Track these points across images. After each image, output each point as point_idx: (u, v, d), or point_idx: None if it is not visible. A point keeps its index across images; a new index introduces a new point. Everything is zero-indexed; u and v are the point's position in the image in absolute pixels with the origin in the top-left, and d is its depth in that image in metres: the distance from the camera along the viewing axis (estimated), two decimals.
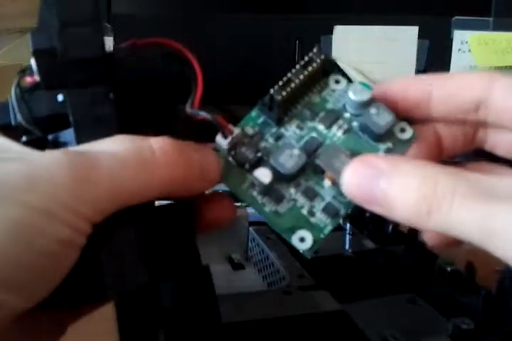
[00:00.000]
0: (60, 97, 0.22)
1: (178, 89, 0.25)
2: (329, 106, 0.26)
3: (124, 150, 0.20)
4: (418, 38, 0.73)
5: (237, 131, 0.24)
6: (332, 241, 0.56)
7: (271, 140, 0.25)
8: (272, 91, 0.24)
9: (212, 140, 0.25)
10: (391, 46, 0.76)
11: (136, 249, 0.21)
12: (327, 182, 0.24)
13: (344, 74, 0.26)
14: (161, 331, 0.29)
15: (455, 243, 0.24)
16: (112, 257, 0.20)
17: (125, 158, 0.20)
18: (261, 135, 0.25)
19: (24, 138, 0.22)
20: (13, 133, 0.23)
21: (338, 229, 0.59)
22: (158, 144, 0.21)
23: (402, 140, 0.25)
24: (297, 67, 0.25)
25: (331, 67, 0.26)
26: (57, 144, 0.23)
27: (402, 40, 0.73)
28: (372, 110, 0.24)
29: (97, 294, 0.21)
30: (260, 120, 0.25)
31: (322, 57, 0.25)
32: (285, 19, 0.77)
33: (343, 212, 0.24)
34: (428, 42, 0.72)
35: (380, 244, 0.54)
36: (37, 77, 0.22)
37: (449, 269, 0.45)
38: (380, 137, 0.24)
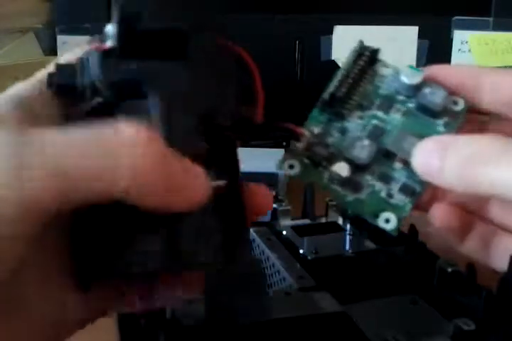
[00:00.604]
0: (133, 65, 0.21)
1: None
2: (383, 92, 0.27)
3: (79, 131, 0.18)
4: (418, 38, 0.73)
5: (307, 132, 0.26)
6: (332, 241, 0.55)
7: (337, 134, 0.27)
8: (331, 89, 0.26)
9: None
10: (391, 46, 0.76)
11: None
12: (398, 165, 0.26)
13: None
14: (161, 333, 0.29)
15: (464, 221, 0.26)
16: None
17: (76, 139, 0.17)
18: (326, 131, 0.27)
19: (98, 100, 0.21)
20: (74, 96, 0.22)
21: (339, 229, 0.58)
22: (125, 128, 0.18)
23: (457, 111, 0.26)
24: (349, 62, 0.27)
25: (378, 56, 0.27)
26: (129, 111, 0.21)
27: (402, 40, 0.73)
28: (427, 90, 0.26)
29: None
30: (323, 118, 0.27)
31: (370, 48, 0.27)
32: (285, 19, 0.77)
33: (419, 189, 0.26)
34: (428, 42, 0.72)
35: (381, 244, 0.54)
36: (111, 44, 0.21)
37: (449, 270, 0.44)
38: (437, 113, 0.26)
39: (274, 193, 0.67)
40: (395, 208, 0.26)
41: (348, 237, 0.57)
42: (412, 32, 0.70)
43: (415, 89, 0.26)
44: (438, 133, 0.26)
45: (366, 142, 0.26)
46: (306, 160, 0.26)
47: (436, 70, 0.27)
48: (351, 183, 0.26)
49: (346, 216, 0.62)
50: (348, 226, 0.59)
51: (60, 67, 0.22)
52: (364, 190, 0.26)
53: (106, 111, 0.21)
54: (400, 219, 0.26)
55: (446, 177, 0.23)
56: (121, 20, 0.21)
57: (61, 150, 0.17)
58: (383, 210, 0.26)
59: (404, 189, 0.26)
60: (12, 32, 0.69)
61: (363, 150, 0.26)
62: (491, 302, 0.39)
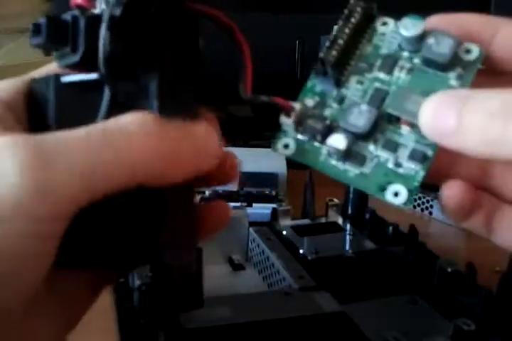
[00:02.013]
0: (136, 41, 0.20)
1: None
2: (383, 51, 0.24)
3: (87, 129, 0.18)
4: None
5: (297, 105, 0.24)
6: (332, 241, 0.56)
7: (335, 105, 0.24)
8: (321, 54, 0.23)
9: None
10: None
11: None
12: (405, 128, 0.23)
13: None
14: (161, 333, 0.29)
15: (474, 202, 0.23)
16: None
17: (91, 144, 0.18)
18: (323, 102, 0.24)
19: (96, 76, 0.20)
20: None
21: (339, 229, 0.58)
22: (133, 119, 0.19)
23: (471, 61, 0.23)
24: (339, 22, 0.24)
25: (374, 12, 0.25)
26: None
27: None
28: (431, 40, 0.23)
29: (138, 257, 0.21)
30: (318, 88, 0.25)
31: (362, 4, 0.24)
32: (285, 19, 0.77)
33: (430, 153, 0.23)
34: None
35: (381, 244, 0.54)
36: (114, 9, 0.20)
37: (449, 270, 0.44)
38: (447, 66, 0.23)
39: (274, 193, 0.67)
40: (405, 178, 0.23)
41: (348, 237, 0.57)
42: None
43: (419, 42, 0.23)
44: (450, 88, 0.23)
45: (364, 107, 0.23)
46: (300, 137, 0.24)
47: (437, 21, 0.23)
48: (353, 156, 0.23)
49: (346, 216, 0.62)
50: (348, 226, 0.60)
51: (50, 20, 0.20)
52: (368, 162, 0.23)
53: (95, 85, 0.20)
54: (410, 191, 0.23)
55: (466, 138, 0.19)
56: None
57: (80, 151, 0.18)
58: (391, 182, 0.23)
59: (415, 155, 0.23)
60: (12, 32, 0.69)
61: (360, 116, 0.23)
62: (491, 302, 0.39)
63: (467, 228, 0.25)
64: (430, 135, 0.21)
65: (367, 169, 0.23)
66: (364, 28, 0.25)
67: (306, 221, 0.61)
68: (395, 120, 0.23)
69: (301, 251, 0.51)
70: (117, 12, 0.20)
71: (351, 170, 0.23)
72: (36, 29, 0.20)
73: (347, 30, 0.23)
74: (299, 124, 0.24)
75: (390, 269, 0.48)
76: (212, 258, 0.54)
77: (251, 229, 0.57)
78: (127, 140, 0.18)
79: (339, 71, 0.24)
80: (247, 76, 0.23)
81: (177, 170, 0.20)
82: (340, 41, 0.23)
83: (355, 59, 0.24)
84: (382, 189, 0.23)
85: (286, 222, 0.60)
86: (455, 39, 0.23)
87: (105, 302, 0.41)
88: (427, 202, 0.73)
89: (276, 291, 0.44)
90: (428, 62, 0.23)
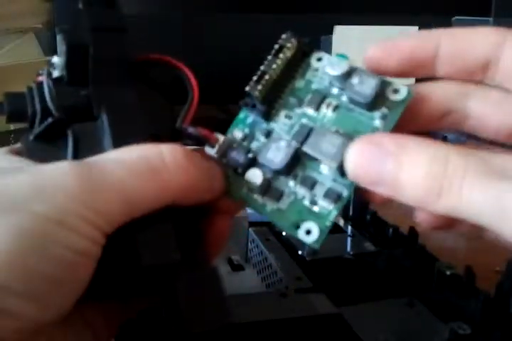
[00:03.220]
0: (83, 92, 0.23)
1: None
2: (314, 86, 0.24)
3: (132, 157, 0.20)
4: None
5: (222, 138, 0.24)
6: (332, 243, 0.55)
7: (262, 138, 0.24)
8: (247, 88, 0.23)
9: None
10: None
11: (171, 230, 0.21)
12: (323, 166, 0.23)
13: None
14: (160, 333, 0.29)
15: (450, 225, 0.23)
16: (149, 235, 0.21)
17: (133, 166, 0.20)
18: (252, 135, 0.24)
19: (50, 120, 0.23)
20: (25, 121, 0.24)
21: (340, 231, 0.58)
22: (167, 150, 0.21)
23: (397, 101, 0.23)
24: (268, 57, 0.23)
25: (309, 48, 0.24)
26: (79, 134, 0.23)
27: None
28: (354, 80, 0.22)
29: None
30: (249, 120, 0.24)
31: (293, 41, 0.23)
32: (285, 19, 0.77)
33: (345, 193, 0.23)
34: None
35: (381, 246, 0.54)
36: (60, 72, 0.23)
37: (448, 273, 0.44)
38: (371, 105, 0.23)
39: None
40: (318, 217, 0.23)
41: (348, 239, 0.57)
42: (412, 32, 0.70)
43: (345, 80, 0.22)
44: (373, 128, 0.23)
45: (283, 143, 0.22)
46: (228, 171, 0.24)
47: (376, 52, 0.23)
48: (271, 191, 0.23)
49: (347, 217, 0.62)
50: (349, 227, 0.59)
51: (8, 96, 0.24)
52: (285, 198, 0.23)
53: (57, 131, 0.23)
54: (322, 230, 0.22)
55: (409, 190, 0.19)
56: (68, 51, 0.22)
57: (121, 176, 0.19)
58: (304, 220, 0.23)
59: (330, 194, 0.23)
60: (12, 32, 0.69)
61: (278, 152, 0.22)
62: (489, 305, 0.39)
63: (458, 232, 0.25)
64: (354, 178, 0.21)
65: (283, 205, 0.23)
66: (298, 63, 0.24)
67: None
68: (315, 158, 0.23)
69: (299, 252, 0.51)
70: (63, 73, 0.23)
71: (269, 204, 0.23)
72: None
73: (275, 66, 0.23)
74: (223, 156, 0.24)
75: (389, 271, 0.48)
76: None
77: (250, 229, 0.57)
78: (164, 167, 0.20)
79: (268, 104, 0.24)
80: (192, 109, 0.24)
81: (198, 194, 0.22)
82: (267, 77, 0.23)
83: (286, 93, 0.24)
84: (296, 226, 0.23)
85: None
86: (379, 79, 0.22)
87: None
88: None
89: (272, 292, 0.44)
90: (353, 101, 0.23)
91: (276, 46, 0.23)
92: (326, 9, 0.73)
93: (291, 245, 0.53)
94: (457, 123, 0.24)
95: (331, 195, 0.23)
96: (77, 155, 0.22)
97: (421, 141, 0.20)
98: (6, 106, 0.23)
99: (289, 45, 0.23)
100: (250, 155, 0.24)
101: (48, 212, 0.18)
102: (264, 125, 0.24)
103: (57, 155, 0.22)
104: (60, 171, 0.19)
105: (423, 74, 0.23)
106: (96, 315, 0.23)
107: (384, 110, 0.23)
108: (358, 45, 0.73)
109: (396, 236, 0.55)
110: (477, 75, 0.22)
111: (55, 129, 0.23)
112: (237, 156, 0.24)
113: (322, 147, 0.22)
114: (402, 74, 0.23)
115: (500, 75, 0.22)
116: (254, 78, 0.23)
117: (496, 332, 0.37)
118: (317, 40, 0.68)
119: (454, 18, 0.64)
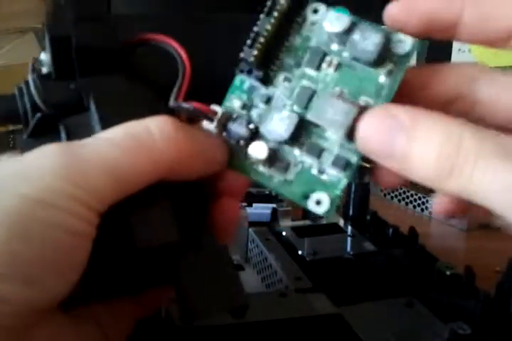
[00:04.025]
0: (72, 85, 0.22)
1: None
2: (312, 43, 0.22)
3: (118, 134, 0.20)
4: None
5: (219, 110, 0.22)
6: (332, 243, 0.55)
7: (261, 105, 0.22)
8: (241, 54, 0.21)
9: None
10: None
11: (168, 209, 0.20)
12: (330, 133, 0.22)
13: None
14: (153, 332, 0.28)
15: (464, 210, 0.22)
16: (144, 215, 0.20)
17: (119, 142, 0.19)
18: (251, 101, 0.22)
19: (38, 115, 0.23)
20: (18, 121, 0.24)
21: (339, 231, 0.58)
22: (153, 123, 0.20)
23: (402, 54, 0.21)
24: (261, 16, 0.21)
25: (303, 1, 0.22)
26: (71, 127, 0.23)
27: None
28: (356, 36, 0.20)
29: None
30: (246, 86, 0.23)
31: None
32: None
33: (355, 160, 0.21)
34: (428, 42, 0.71)
35: (381, 246, 0.54)
36: (48, 68, 0.23)
37: (448, 273, 0.44)
38: (375, 61, 0.21)
39: (274, 193, 0.67)
40: (327, 186, 0.22)
41: (348, 239, 0.57)
42: None
43: (345, 36, 0.21)
44: (378, 85, 0.21)
45: (285, 113, 0.21)
46: (230, 144, 0.22)
47: (396, 11, 0.21)
48: (277, 162, 0.22)
49: (347, 217, 0.62)
50: (349, 227, 0.59)
51: None
52: (292, 168, 0.22)
53: (48, 126, 0.22)
54: (333, 200, 0.21)
55: (419, 167, 0.19)
56: (51, 42, 0.22)
57: (108, 152, 0.19)
58: (314, 190, 0.22)
59: (338, 161, 0.21)
60: (12, 32, 0.69)
61: (280, 123, 0.21)
62: (489, 305, 0.39)
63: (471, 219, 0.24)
64: (364, 149, 0.20)
65: (290, 176, 0.22)
66: (293, 17, 0.22)
67: (307, 222, 0.60)
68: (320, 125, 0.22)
69: (299, 252, 0.51)
70: (51, 68, 0.23)
71: (275, 176, 0.22)
72: None
73: (268, 27, 0.21)
74: (223, 129, 0.22)
75: (389, 271, 0.48)
76: None
77: (250, 229, 0.57)
78: (152, 141, 0.20)
79: (265, 69, 0.22)
80: (184, 84, 0.23)
81: (195, 167, 0.21)
82: (262, 39, 0.21)
83: (283, 52, 0.22)
84: (306, 197, 0.22)
85: (286, 223, 0.59)
86: (383, 32, 0.20)
87: None
88: (427, 202, 0.73)
89: (272, 292, 0.44)
90: (356, 58, 0.21)
91: (269, 3, 0.21)
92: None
93: (291, 245, 0.53)
94: (466, 109, 0.22)
95: (340, 163, 0.21)
96: None
97: (436, 116, 0.19)
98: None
99: (282, 1, 0.21)
100: (252, 126, 0.22)
101: (35, 193, 0.18)
102: (262, 90, 0.22)
103: None
104: (46, 153, 0.19)
105: (444, 36, 0.22)
106: (107, 314, 0.22)
107: (390, 65, 0.21)
108: None
109: (396, 236, 0.55)
110: (500, 44, 0.21)
111: (45, 124, 0.22)
112: (238, 129, 0.22)
113: (327, 115, 0.20)
114: (422, 34, 0.21)
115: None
116: (248, 42, 0.21)
117: (496, 332, 0.37)
118: None
119: None
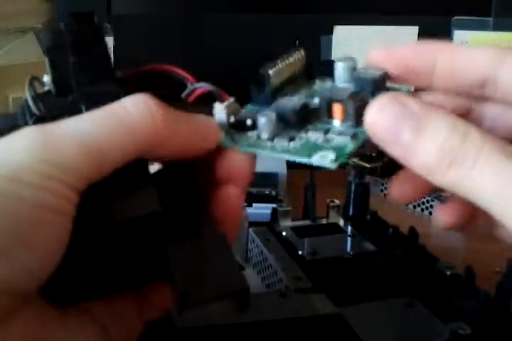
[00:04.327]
0: (70, 97, 0.23)
1: None
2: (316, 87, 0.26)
3: (94, 112, 0.20)
4: (418, 38, 0.73)
5: (232, 99, 0.24)
6: (332, 243, 0.55)
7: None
8: (262, 70, 0.24)
9: None
10: (391, 46, 0.76)
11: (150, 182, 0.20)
12: (336, 122, 0.23)
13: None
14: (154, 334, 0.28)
15: (465, 222, 0.23)
16: (123, 190, 0.20)
17: (95, 118, 0.20)
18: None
19: (35, 116, 0.23)
20: None
21: (339, 231, 0.58)
22: (130, 100, 0.20)
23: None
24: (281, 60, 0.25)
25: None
26: None
27: (402, 40, 0.73)
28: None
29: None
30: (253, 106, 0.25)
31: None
32: (285, 19, 0.77)
33: (361, 135, 0.22)
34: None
35: (381, 246, 0.54)
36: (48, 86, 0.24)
37: (448, 273, 0.44)
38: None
39: (274, 193, 0.67)
40: (334, 148, 0.22)
41: (348, 239, 0.57)
42: (412, 32, 0.70)
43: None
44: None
45: (295, 98, 0.24)
46: (232, 120, 0.24)
47: (376, 57, 0.23)
48: (283, 135, 0.23)
49: (347, 217, 0.62)
50: (349, 227, 0.59)
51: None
52: (297, 140, 0.23)
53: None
54: (338, 156, 0.22)
55: (421, 156, 0.19)
56: (48, 52, 0.23)
57: (82, 128, 0.19)
58: (321, 150, 0.22)
59: (345, 132, 0.22)
60: (12, 32, 0.69)
61: (290, 101, 0.23)
62: (489, 305, 0.39)
63: (470, 232, 0.25)
64: (371, 132, 0.21)
65: (296, 144, 0.23)
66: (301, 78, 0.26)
67: (307, 222, 0.60)
68: (326, 115, 0.23)
69: (299, 252, 0.51)
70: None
71: (280, 144, 0.23)
72: None
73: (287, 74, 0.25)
74: (231, 114, 0.24)
75: (389, 271, 0.48)
76: None
77: (250, 229, 0.57)
78: (128, 115, 0.20)
79: (276, 90, 0.25)
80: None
81: (174, 143, 0.21)
82: (280, 65, 0.24)
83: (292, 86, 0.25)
84: (310, 155, 0.22)
85: (286, 223, 0.59)
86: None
87: None
88: (427, 202, 0.73)
89: (272, 292, 0.44)
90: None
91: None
92: (326, 9, 0.72)
93: (291, 245, 0.53)
94: (490, 94, 0.23)
95: (347, 133, 0.22)
96: None
97: (445, 112, 0.20)
98: None
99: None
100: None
101: (10, 173, 0.18)
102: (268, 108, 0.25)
103: None
104: (21, 134, 0.19)
105: (421, 84, 0.23)
106: (110, 314, 0.22)
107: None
108: (358, 45, 0.73)
109: (396, 236, 0.55)
110: (474, 91, 0.23)
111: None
112: (246, 117, 0.24)
113: (338, 95, 0.22)
114: (400, 80, 0.23)
115: (501, 93, 0.22)
116: (270, 63, 0.24)
117: (496, 332, 0.37)
118: (317, 40, 0.68)
119: (454, 18, 0.64)
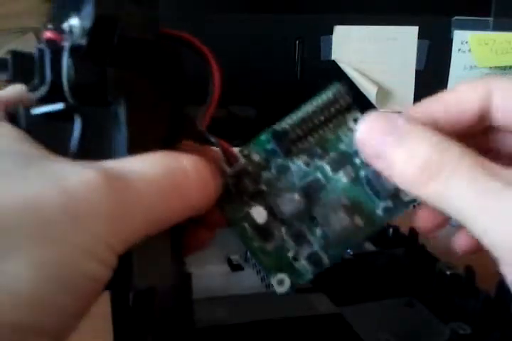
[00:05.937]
0: (98, 69, 0.21)
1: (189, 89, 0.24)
2: (342, 147, 0.24)
3: (156, 173, 0.19)
4: (418, 38, 0.73)
5: (242, 159, 0.24)
6: None
7: (274, 171, 0.24)
8: (287, 124, 0.23)
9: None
10: (391, 46, 0.76)
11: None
12: (319, 231, 0.24)
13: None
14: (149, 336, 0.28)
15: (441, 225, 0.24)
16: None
17: (158, 183, 0.19)
18: (266, 163, 0.24)
19: (61, 105, 0.20)
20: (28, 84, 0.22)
21: None
22: (190, 166, 0.20)
23: (404, 201, 0.24)
24: (320, 103, 0.24)
25: (351, 105, 0.24)
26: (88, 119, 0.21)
27: (402, 40, 0.73)
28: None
29: None
30: (269, 146, 0.24)
31: (348, 99, 0.24)
32: (285, 19, 0.77)
33: (326, 262, 0.24)
34: (428, 42, 0.71)
35: (381, 246, 0.54)
36: (78, 40, 0.20)
37: (448, 273, 0.44)
38: (383, 196, 0.24)
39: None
40: (294, 273, 0.24)
41: None
42: (412, 32, 0.70)
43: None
44: (373, 215, 0.24)
45: (296, 197, 0.24)
46: (230, 187, 0.24)
47: (411, 113, 0.23)
48: (264, 230, 0.24)
49: None
50: None
51: (16, 55, 0.21)
52: (273, 242, 0.24)
53: (65, 116, 0.21)
54: (293, 286, 0.24)
55: (402, 169, 0.20)
56: (98, 19, 0.20)
57: (148, 196, 0.19)
58: (282, 271, 0.24)
59: (312, 258, 0.24)
60: (12, 32, 0.69)
61: (289, 203, 0.24)
62: (489, 305, 0.39)
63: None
64: (361, 150, 0.22)
65: (269, 247, 0.24)
66: (336, 114, 0.24)
67: None
68: (316, 221, 0.24)
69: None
70: (83, 42, 0.20)
71: (256, 240, 0.24)
72: (2, 64, 0.21)
73: (322, 118, 0.24)
74: (235, 176, 0.24)
75: (389, 271, 0.48)
76: (211, 258, 0.54)
77: None
78: (189, 185, 0.20)
79: (294, 143, 0.24)
80: (211, 108, 0.23)
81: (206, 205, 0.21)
82: (310, 124, 0.24)
83: (314, 138, 0.24)
84: (273, 272, 0.24)
85: None
86: None
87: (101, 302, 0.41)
88: None
89: (272, 292, 0.44)
90: (369, 183, 0.24)
91: (331, 96, 0.24)
92: (326, 9, 0.72)
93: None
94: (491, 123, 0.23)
95: (313, 259, 0.24)
96: (83, 142, 0.20)
97: (427, 128, 0.21)
98: (10, 65, 0.21)
99: (342, 101, 0.24)
100: (259, 186, 0.24)
101: (80, 241, 0.17)
102: (280, 159, 0.24)
103: (61, 137, 0.20)
104: (91, 188, 0.17)
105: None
106: None
107: (389, 203, 0.24)
108: (358, 45, 0.74)
109: (396, 236, 0.55)
110: (478, 126, 0.23)
111: (63, 114, 0.21)
112: (249, 184, 0.24)
113: (330, 221, 0.23)
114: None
115: (500, 122, 0.23)
116: (297, 118, 0.24)
117: (496, 332, 0.37)
118: (317, 40, 0.68)
119: (454, 18, 0.64)
